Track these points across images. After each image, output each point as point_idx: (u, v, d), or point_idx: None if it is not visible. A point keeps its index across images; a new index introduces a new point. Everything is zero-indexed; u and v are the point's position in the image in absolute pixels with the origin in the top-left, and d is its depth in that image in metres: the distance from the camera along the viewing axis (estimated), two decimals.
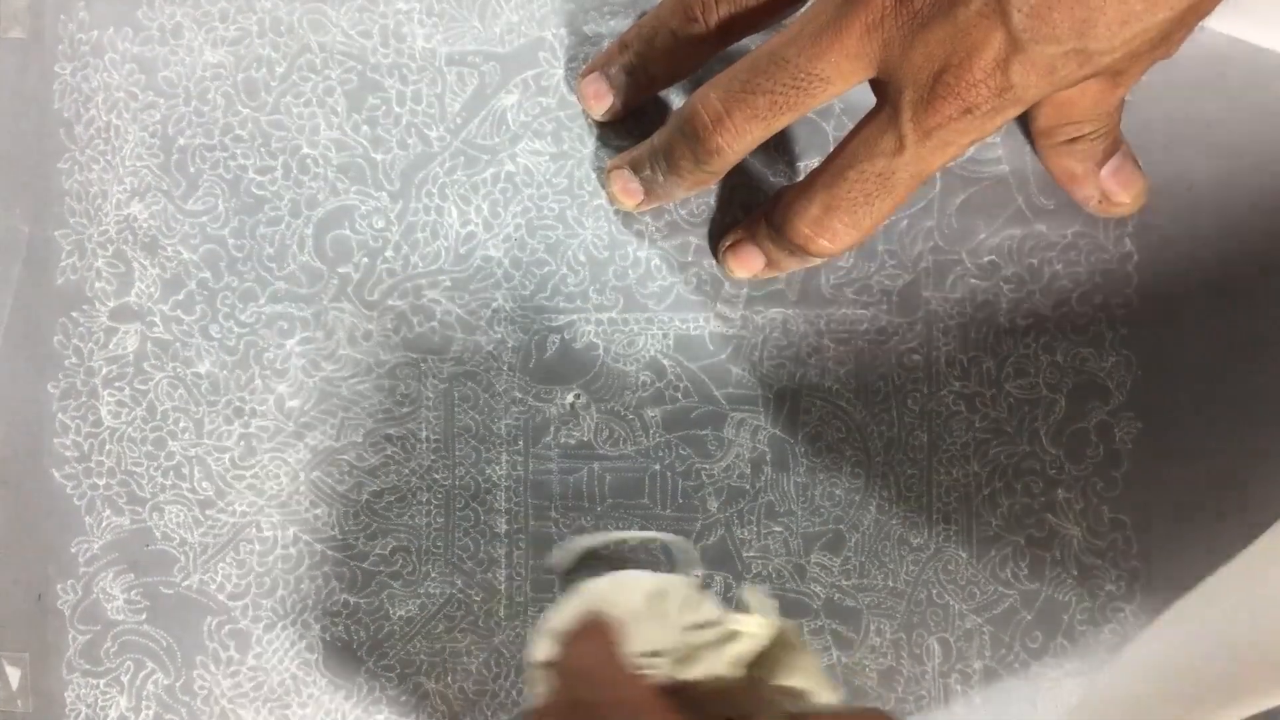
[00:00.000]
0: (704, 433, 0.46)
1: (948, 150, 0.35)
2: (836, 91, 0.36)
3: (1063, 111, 0.40)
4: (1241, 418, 0.44)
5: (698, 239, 0.45)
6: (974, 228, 0.45)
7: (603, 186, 0.45)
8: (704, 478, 0.46)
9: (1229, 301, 0.44)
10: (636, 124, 0.45)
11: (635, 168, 0.42)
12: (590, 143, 0.45)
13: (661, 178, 0.41)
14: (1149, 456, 0.45)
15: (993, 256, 0.45)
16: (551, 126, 0.46)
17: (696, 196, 0.45)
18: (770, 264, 0.42)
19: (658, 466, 0.46)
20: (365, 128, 0.46)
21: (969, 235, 0.45)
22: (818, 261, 0.42)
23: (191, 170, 0.46)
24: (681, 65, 0.42)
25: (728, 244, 0.43)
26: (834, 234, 0.38)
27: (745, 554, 0.46)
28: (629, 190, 0.43)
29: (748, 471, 0.46)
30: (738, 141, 0.37)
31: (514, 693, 0.46)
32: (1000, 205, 0.45)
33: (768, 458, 0.46)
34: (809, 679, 0.36)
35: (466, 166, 0.46)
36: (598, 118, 0.45)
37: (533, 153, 0.46)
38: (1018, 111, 0.34)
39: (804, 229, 0.38)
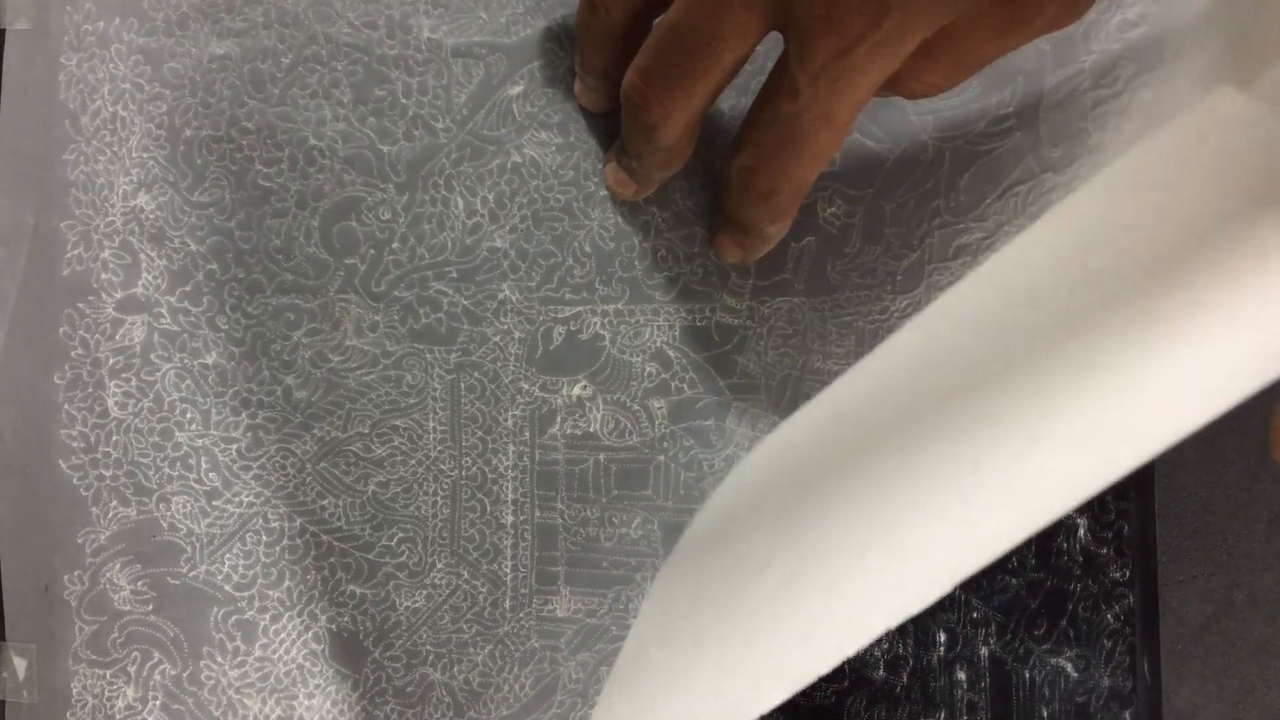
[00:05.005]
0: (707, 423, 0.46)
1: (847, 93, 0.33)
2: (744, 48, 0.35)
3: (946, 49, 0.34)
4: (1256, 403, 0.44)
5: (704, 229, 0.45)
6: (982, 197, 0.44)
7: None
8: (705, 468, 0.46)
9: None
10: None
11: (618, 157, 0.43)
12: (596, 133, 0.46)
13: (636, 163, 0.42)
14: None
15: (998, 216, 0.45)
16: (558, 118, 0.46)
17: (703, 187, 0.45)
18: (749, 239, 0.42)
19: (662, 458, 0.46)
20: (371, 119, 0.46)
21: (976, 205, 0.44)
22: (784, 226, 0.41)
23: (198, 162, 0.46)
24: (612, 57, 0.41)
25: (712, 236, 0.44)
26: (770, 175, 0.37)
27: None
28: (621, 180, 0.44)
29: None
30: (668, 116, 0.38)
31: (516, 687, 0.46)
32: (1009, 169, 0.45)
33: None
34: None
35: (473, 158, 0.46)
36: (593, 111, 0.45)
37: (539, 144, 0.46)
38: (912, 41, 0.32)
39: (741, 174, 0.38)
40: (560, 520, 0.46)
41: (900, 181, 0.45)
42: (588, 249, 0.46)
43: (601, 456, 0.46)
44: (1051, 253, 0.24)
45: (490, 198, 0.46)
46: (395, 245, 0.46)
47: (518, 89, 0.46)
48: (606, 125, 0.46)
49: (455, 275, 0.46)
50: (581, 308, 0.46)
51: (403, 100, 0.46)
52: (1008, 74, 0.44)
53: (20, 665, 0.46)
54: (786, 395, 0.45)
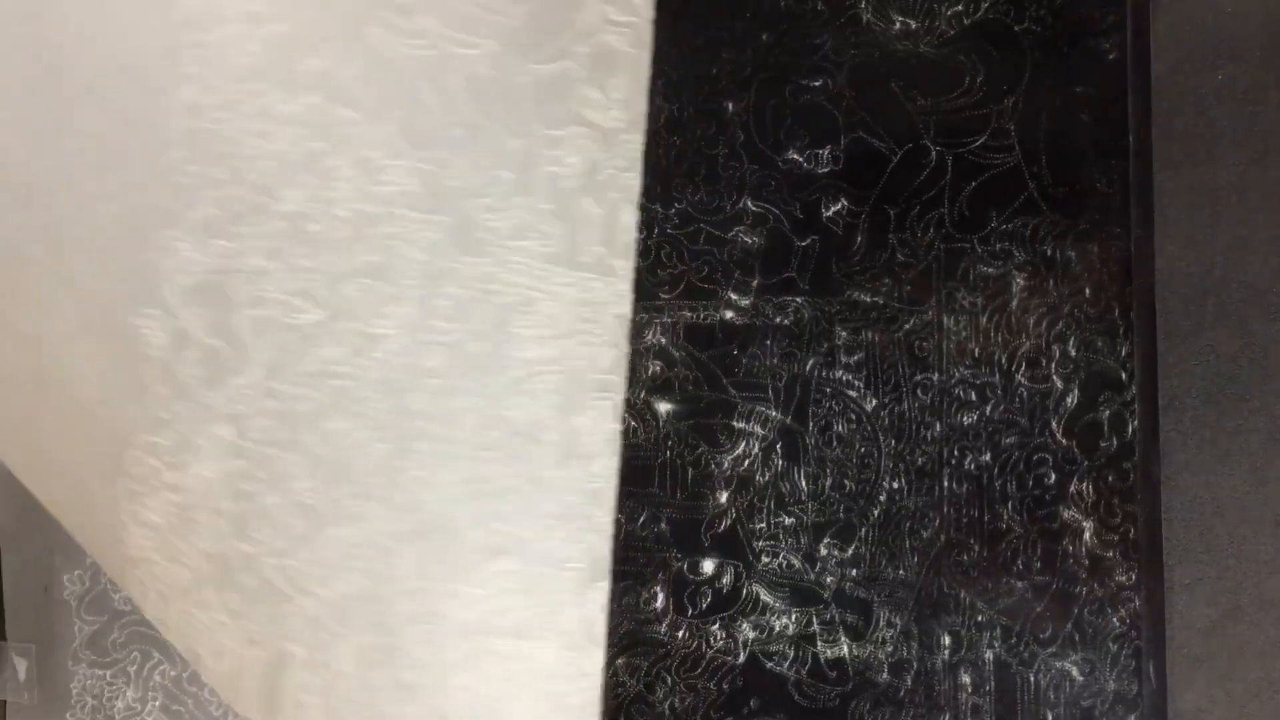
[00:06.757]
0: (713, 421, 0.45)
1: None
2: None
3: None
4: (1262, 408, 0.44)
5: (709, 226, 0.45)
6: (985, 216, 0.44)
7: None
8: (713, 467, 0.45)
9: (1251, 292, 0.44)
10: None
11: None
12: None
13: None
14: (1163, 448, 0.45)
15: (1005, 243, 0.45)
16: None
17: (705, 184, 0.45)
18: None
19: (667, 455, 0.45)
20: None
21: (980, 223, 0.44)
22: None
23: None
24: None
25: None
26: None
27: (755, 544, 0.46)
28: None
29: (759, 462, 0.45)
30: None
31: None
32: (1012, 193, 0.44)
33: (778, 448, 0.45)
34: None
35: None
36: None
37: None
38: None
39: None
40: None
41: (904, 185, 0.44)
42: None
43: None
44: None
45: None
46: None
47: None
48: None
49: None
50: None
51: None
52: (1003, 76, 0.43)
53: (20, 665, 0.46)
54: (796, 399, 0.45)
